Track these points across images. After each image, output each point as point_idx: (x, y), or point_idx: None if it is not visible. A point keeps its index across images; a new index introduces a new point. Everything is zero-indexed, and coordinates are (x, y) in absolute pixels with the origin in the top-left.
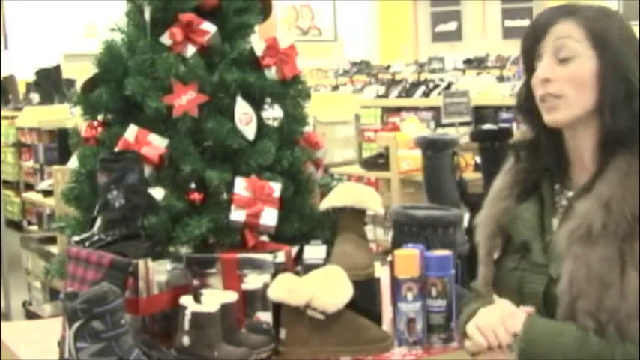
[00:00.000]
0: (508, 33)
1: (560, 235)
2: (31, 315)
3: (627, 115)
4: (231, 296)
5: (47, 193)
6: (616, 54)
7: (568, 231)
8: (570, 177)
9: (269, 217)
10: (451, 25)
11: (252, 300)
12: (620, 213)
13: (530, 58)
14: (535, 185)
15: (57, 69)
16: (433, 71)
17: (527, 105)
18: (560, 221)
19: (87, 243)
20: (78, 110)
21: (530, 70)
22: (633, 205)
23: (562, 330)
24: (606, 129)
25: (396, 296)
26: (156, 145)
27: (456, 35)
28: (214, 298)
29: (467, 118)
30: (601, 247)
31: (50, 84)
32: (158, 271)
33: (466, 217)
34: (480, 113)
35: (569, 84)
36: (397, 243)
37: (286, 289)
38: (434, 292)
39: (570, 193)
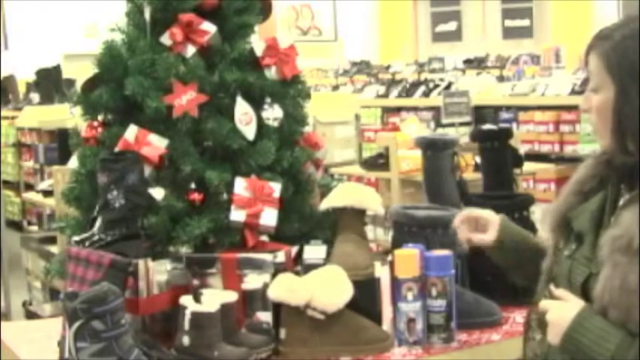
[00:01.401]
0: (508, 33)
1: (604, 239)
2: (31, 315)
3: None
4: (231, 296)
5: (47, 193)
6: (630, 77)
7: (612, 237)
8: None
9: (269, 217)
10: (451, 25)
11: (252, 300)
12: None
13: None
14: (606, 181)
15: (57, 69)
16: (433, 71)
17: None
18: (612, 223)
19: (87, 243)
20: (78, 110)
21: None
22: None
23: (611, 328)
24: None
25: (396, 296)
26: (156, 145)
27: (456, 35)
28: (214, 298)
29: (467, 118)
30: (639, 261)
31: (50, 84)
32: (158, 271)
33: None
34: (480, 113)
35: (596, 115)
36: (397, 243)
37: (286, 289)
38: (434, 292)
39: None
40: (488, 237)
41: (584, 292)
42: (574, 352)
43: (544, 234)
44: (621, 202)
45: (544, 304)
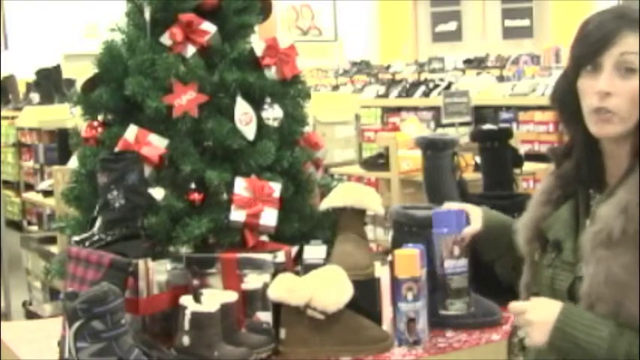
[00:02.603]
0: (508, 33)
1: (585, 237)
2: (31, 315)
3: None
4: (231, 296)
5: (47, 193)
6: None
7: (592, 234)
8: (606, 182)
9: (269, 217)
10: (451, 25)
11: (252, 300)
12: (636, 219)
13: (582, 64)
14: (573, 189)
15: (57, 69)
16: (433, 71)
17: (569, 108)
18: (589, 224)
19: (87, 243)
20: (78, 110)
21: (576, 74)
22: None
23: (599, 320)
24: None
25: (396, 296)
26: (156, 145)
27: (456, 35)
28: (214, 298)
29: (467, 118)
30: (622, 251)
31: (50, 84)
32: (158, 271)
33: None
34: (480, 113)
35: (627, 100)
36: (397, 243)
37: (286, 289)
38: (456, 251)
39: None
40: (474, 226)
41: (571, 298)
42: (565, 348)
43: (519, 248)
44: (594, 204)
45: (518, 305)
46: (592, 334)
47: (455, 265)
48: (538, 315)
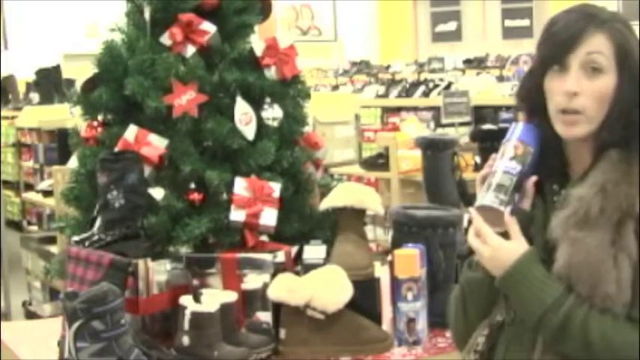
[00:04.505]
0: (508, 33)
1: (555, 222)
2: (30, 315)
3: (622, 124)
4: (231, 296)
5: (47, 193)
6: (634, 68)
7: (564, 217)
8: (569, 176)
9: (269, 217)
10: (451, 25)
11: (251, 300)
12: (616, 196)
13: (549, 64)
14: (540, 185)
15: (57, 69)
16: (433, 71)
17: (535, 106)
18: (557, 211)
19: (87, 243)
20: (78, 110)
21: (543, 73)
22: (627, 189)
23: (553, 279)
24: (602, 138)
25: (396, 296)
26: (156, 145)
27: (455, 35)
28: (214, 298)
29: (466, 118)
30: (599, 232)
31: (50, 84)
32: (158, 271)
33: (466, 217)
34: (480, 113)
35: (594, 99)
36: (397, 243)
37: (286, 289)
38: (511, 152)
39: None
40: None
41: None
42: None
43: None
44: (558, 199)
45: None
46: (536, 295)
47: (506, 165)
48: (496, 258)
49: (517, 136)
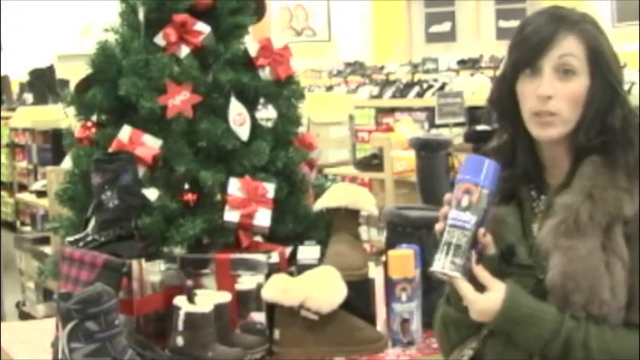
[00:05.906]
0: (502, 34)
1: (544, 232)
2: (24, 316)
3: (600, 127)
4: (225, 297)
5: (41, 194)
6: (606, 69)
7: (553, 226)
8: (546, 181)
9: (263, 218)
10: (445, 26)
11: (246, 300)
12: (604, 201)
13: (521, 68)
14: (514, 191)
15: (51, 69)
16: (427, 72)
17: (508, 111)
18: (541, 222)
19: (81, 243)
20: (72, 110)
21: (515, 77)
22: (613, 193)
23: (543, 307)
24: (580, 144)
25: (390, 297)
26: (150, 145)
27: (449, 36)
28: (208, 298)
29: (461, 119)
30: (589, 239)
31: (44, 84)
32: (152, 272)
33: None
34: (474, 114)
35: (567, 102)
36: (391, 243)
37: (280, 289)
38: (465, 201)
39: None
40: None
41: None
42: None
43: None
44: (542, 205)
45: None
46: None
47: (461, 218)
48: (480, 309)
49: (469, 177)
